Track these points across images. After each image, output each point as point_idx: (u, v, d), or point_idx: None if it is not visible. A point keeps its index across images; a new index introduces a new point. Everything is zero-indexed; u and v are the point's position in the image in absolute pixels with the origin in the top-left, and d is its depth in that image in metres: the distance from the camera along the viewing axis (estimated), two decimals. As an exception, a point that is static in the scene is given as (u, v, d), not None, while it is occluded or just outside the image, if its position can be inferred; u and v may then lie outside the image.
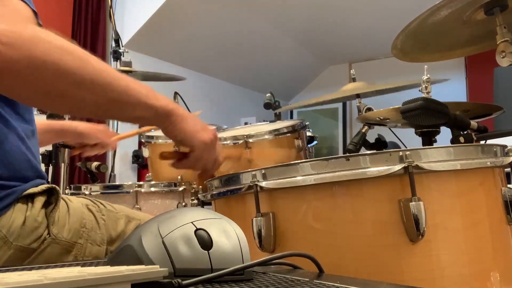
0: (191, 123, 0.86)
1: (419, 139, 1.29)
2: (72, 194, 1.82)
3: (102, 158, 3.68)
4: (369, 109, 1.66)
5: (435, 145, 1.27)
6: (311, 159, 0.82)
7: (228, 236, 0.55)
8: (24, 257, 0.85)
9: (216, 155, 0.93)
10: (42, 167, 0.99)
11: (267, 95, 2.23)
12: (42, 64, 0.68)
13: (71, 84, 0.71)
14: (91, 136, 1.33)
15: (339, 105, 5.82)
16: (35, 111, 0.94)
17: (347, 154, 0.82)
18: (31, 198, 0.88)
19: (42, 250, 0.87)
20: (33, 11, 0.77)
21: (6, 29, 0.66)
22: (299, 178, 0.81)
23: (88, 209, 0.97)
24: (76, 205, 0.96)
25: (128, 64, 2.22)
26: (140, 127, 1.90)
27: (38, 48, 0.67)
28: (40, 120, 1.22)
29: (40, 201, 0.88)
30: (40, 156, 0.99)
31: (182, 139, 0.86)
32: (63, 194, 0.96)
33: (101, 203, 1.02)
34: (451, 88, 4.36)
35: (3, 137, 0.85)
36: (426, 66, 1.34)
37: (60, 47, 0.70)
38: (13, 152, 0.86)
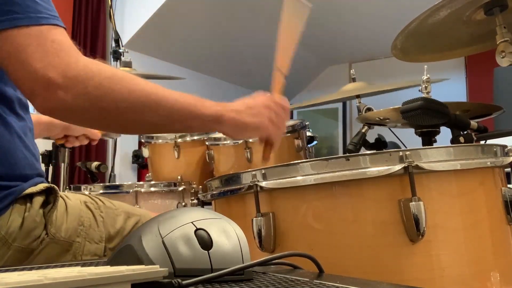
0: (244, 119, 0.87)
1: (419, 139, 1.29)
2: (72, 194, 1.82)
3: (102, 158, 3.68)
4: (369, 109, 1.66)
5: (435, 145, 1.27)
6: (311, 159, 0.82)
7: (228, 236, 0.55)
8: (23, 257, 0.85)
9: (281, 107, 0.94)
10: (42, 167, 0.99)
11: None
12: (96, 99, 0.74)
13: (124, 110, 0.77)
14: (77, 128, 1.37)
15: (339, 105, 5.82)
16: (31, 110, 0.94)
17: (347, 154, 0.82)
18: (29, 198, 0.88)
19: (41, 250, 0.86)
20: (64, 27, 0.80)
21: (60, 72, 0.72)
22: (299, 178, 0.81)
23: (87, 207, 0.97)
24: (74, 203, 0.96)
25: (128, 64, 2.22)
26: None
27: (91, 84, 0.74)
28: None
29: (38, 201, 0.88)
30: (40, 156, 0.99)
31: (245, 138, 0.92)
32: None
33: (100, 200, 1.02)
34: (451, 88, 4.36)
35: (0, 135, 0.85)
36: (426, 66, 1.34)
37: (110, 78, 0.76)
38: (11, 150, 0.86)
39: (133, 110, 0.77)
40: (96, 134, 1.44)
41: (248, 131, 0.90)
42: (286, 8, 1.02)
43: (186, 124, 0.84)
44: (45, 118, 1.24)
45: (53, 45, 0.74)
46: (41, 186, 0.89)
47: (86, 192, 1.74)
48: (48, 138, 2.23)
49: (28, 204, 0.87)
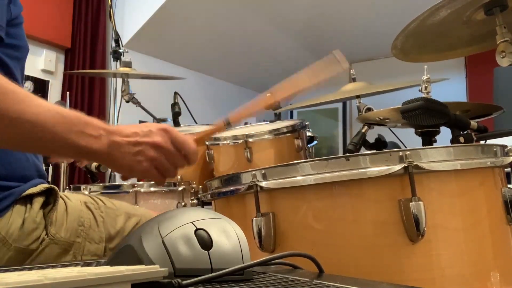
0: (124, 155, 0.72)
1: (419, 139, 1.29)
2: (72, 194, 1.82)
3: (102, 158, 3.67)
4: (369, 109, 1.66)
5: (435, 145, 1.27)
6: (311, 159, 0.82)
7: (228, 236, 0.55)
8: (24, 258, 0.85)
9: (180, 149, 0.79)
10: (43, 167, 0.99)
11: (267, 95, 2.22)
12: None
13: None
14: None
15: (339, 105, 5.82)
16: None
17: (347, 154, 0.82)
18: (29, 199, 0.88)
19: (41, 250, 0.86)
20: None
21: None
22: (299, 178, 0.81)
23: (87, 207, 0.97)
24: (74, 203, 0.96)
25: (128, 64, 2.22)
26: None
27: None
28: None
29: (38, 202, 0.88)
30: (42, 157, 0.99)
31: (121, 173, 0.77)
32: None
33: (100, 200, 1.02)
34: (451, 88, 4.36)
35: None
36: (426, 66, 1.34)
37: None
38: (12, 151, 0.86)
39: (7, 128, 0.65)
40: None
41: (124, 171, 0.76)
42: (327, 59, 0.91)
43: (47, 148, 0.70)
44: None
45: None
46: (41, 186, 0.89)
47: (86, 192, 1.74)
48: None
49: (28, 205, 0.87)
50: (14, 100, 0.64)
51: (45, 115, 0.66)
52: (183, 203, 1.79)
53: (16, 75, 0.90)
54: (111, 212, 1.01)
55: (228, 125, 0.92)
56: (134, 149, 0.73)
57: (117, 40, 2.29)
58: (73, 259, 0.91)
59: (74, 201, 0.97)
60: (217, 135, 1.84)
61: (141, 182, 1.79)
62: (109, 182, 3.37)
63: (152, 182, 1.83)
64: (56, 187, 0.91)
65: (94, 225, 0.95)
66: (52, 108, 0.67)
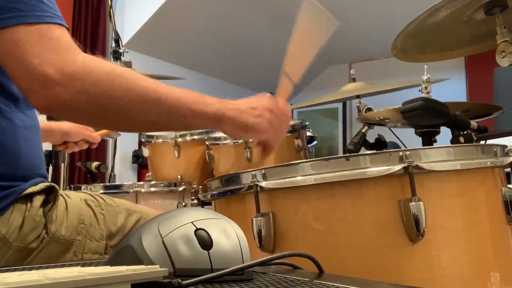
0: (245, 120, 0.86)
1: (419, 139, 1.29)
2: (72, 194, 1.82)
3: (102, 158, 3.68)
4: (369, 109, 1.66)
5: (435, 145, 1.27)
6: (311, 159, 0.82)
7: (228, 236, 0.55)
8: (24, 256, 0.85)
9: (283, 113, 0.94)
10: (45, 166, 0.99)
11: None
12: (94, 96, 0.73)
13: (123, 107, 0.75)
14: (76, 134, 1.39)
15: (339, 105, 5.82)
16: (36, 111, 0.94)
17: (347, 154, 0.82)
18: (29, 197, 0.88)
19: (41, 249, 0.86)
20: (66, 27, 0.79)
21: (58, 68, 0.70)
22: (299, 178, 0.81)
23: (87, 204, 0.97)
24: (74, 201, 0.96)
25: (128, 64, 2.22)
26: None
27: (89, 81, 0.72)
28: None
29: (38, 200, 0.88)
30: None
31: (244, 138, 0.92)
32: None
33: (101, 197, 1.02)
34: (451, 88, 4.36)
35: (4, 135, 0.85)
36: (426, 66, 1.34)
37: (108, 74, 0.74)
38: (14, 150, 0.86)
39: (132, 108, 0.76)
40: (96, 137, 1.46)
41: (247, 132, 0.88)
42: (302, 13, 0.99)
43: (186, 122, 0.83)
44: (43, 124, 1.24)
45: (51, 42, 0.73)
46: (42, 185, 0.89)
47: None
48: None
49: (29, 204, 0.87)
50: (148, 83, 0.77)
51: (178, 92, 0.80)
52: (183, 203, 1.79)
53: None
54: (112, 209, 1.01)
55: (292, 82, 1.01)
56: (255, 112, 0.87)
57: (117, 40, 2.29)
58: (73, 257, 0.91)
59: (74, 198, 0.97)
60: (217, 135, 1.84)
61: (141, 182, 1.79)
62: (109, 182, 3.37)
63: (153, 182, 1.83)
64: (56, 185, 0.91)
65: (94, 223, 0.95)
66: (176, 88, 0.80)
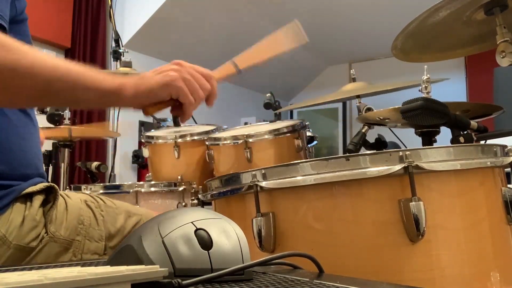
0: (148, 81, 0.79)
1: (419, 139, 1.29)
2: (72, 194, 1.82)
3: (102, 158, 3.68)
4: (369, 109, 1.66)
5: (435, 145, 1.27)
6: (311, 159, 0.82)
7: (228, 236, 0.55)
8: (23, 256, 0.85)
9: (201, 74, 0.85)
10: (43, 166, 0.99)
11: (267, 95, 2.23)
12: None
13: (7, 77, 0.69)
14: None
15: (339, 105, 5.83)
16: (35, 111, 0.94)
17: (347, 154, 0.82)
18: (29, 197, 0.88)
19: (40, 248, 0.87)
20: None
21: None
22: (299, 178, 0.81)
23: (87, 205, 0.97)
24: (74, 201, 0.96)
25: (128, 64, 2.22)
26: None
27: None
28: None
29: (38, 199, 0.88)
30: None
31: (152, 101, 0.81)
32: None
33: (100, 199, 1.02)
34: (451, 88, 4.37)
35: (3, 134, 0.85)
36: (426, 66, 1.34)
37: None
38: (13, 149, 0.86)
39: (16, 77, 0.70)
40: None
41: (153, 92, 0.79)
42: (286, 29, 1.00)
43: (75, 94, 0.75)
44: None
45: None
46: (41, 185, 0.89)
47: (87, 192, 1.74)
48: (49, 138, 2.22)
49: (28, 203, 0.87)
50: (30, 54, 0.70)
51: (64, 63, 0.73)
52: (183, 203, 1.79)
53: None
54: (111, 210, 1.01)
55: (237, 68, 0.97)
56: (157, 71, 0.81)
57: (117, 40, 2.29)
58: (72, 257, 0.91)
59: (74, 199, 0.97)
60: (217, 135, 1.84)
61: (141, 182, 1.79)
62: (109, 182, 3.37)
63: (153, 182, 1.83)
64: (55, 185, 0.91)
65: (94, 224, 0.95)
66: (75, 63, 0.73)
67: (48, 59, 0.72)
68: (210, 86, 0.86)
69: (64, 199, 0.94)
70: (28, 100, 0.78)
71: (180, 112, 0.84)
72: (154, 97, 0.80)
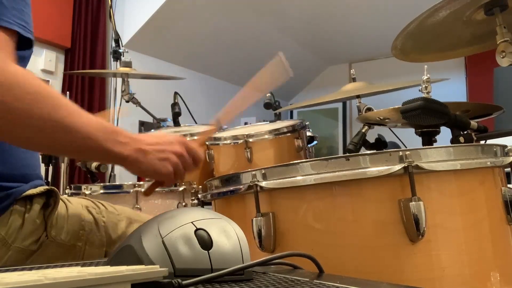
0: (148, 162, 0.83)
1: (419, 139, 1.29)
2: (72, 194, 1.82)
3: (102, 158, 3.67)
4: (369, 109, 1.66)
5: (435, 145, 1.27)
6: (311, 159, 0.82)
7: (228, 236, 0.55)
8: (23, 258, 0.85)
9: (193, 157, 0.90)
10: (42, 167, 0.99)
11: (267, 95, 2.22)
12: (12, 111, 0.68)
13: (33, 129, 0.71)
14: None
15: (339, 105, 5.83)
16: None
17: (347, 154, 0.82)
18: (29, 199, 0.87)
19: (40, 252, 0.86)
20: (13, 31, 0.76)
21: None
22: (299, 178, 0.81)
23: (88, 211, 0.97)
24: (75, 206, 0.96)
25: (128, 64, 2.22)
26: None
27: (10, 94, 0.67)
28: None
29: (38, 202, 0.88)
30: (40, 156, 0.99)
31: (144, 176, 0.90)
32: (63, 194, 0.96)
33: (102, 204, 1.02)
34: (451, 88, 4.37)
35: None
36: (426, 66, 1.34)
37: (34, 93, 0.70)
38: (13, 151, 0.86)
39: (41, 133, 0.72)
40: None
41: (148, 174, 0.86)
42: (269, 65, 0.99)
43: (87, 154, 0.81)
44: None
45: None
46: (42, 188, 0.89)
47: (87, 192, 1.74)
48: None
49: (28, 206, 0.87)
50: (68, 112, 0.73)
51: (93, 127, 0.75)
52: (183, 203, 1.79)
53: None
54: (113, 216, 1.00)
55: (219, 125, 1.02)
56: (160, 155, 0.84)
57: (117, 40, 2.29)
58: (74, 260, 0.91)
59: (75, 204, 0.97)
60: (217, 135, 1.84)
61: (141, 182, 1.78)
62: (109, 182, 3.37)
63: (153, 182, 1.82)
64: (56, 189, 0.91)
65: (95, 229, 0.95)
66: (95, 119, 0.77)
67: (85, 125, 0.75)
68: (193, 167, 0.91)
69: (64, 203, 0.94)
70: (41, 150, 0.84)
71: (155, 184, 0.94)
72: (146, 175, 0.87)
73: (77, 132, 0.74)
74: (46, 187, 0.90)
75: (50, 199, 0.90)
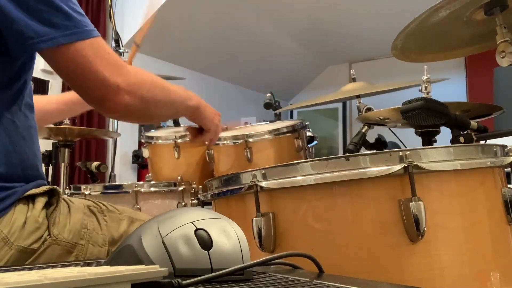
0: (209, 112, 1.17)
1: (419, 139, 1.29)
2: (72, 194, 1.82)
3: (102, 158, 3.68)
4: (369, 109, 1.66)
5: (435, 145, 1.27)
6: (311, 159, 0.82)
7: (228, 236, 0.55)
8: (25, 257, 0.85)
9: (219, 127, 1.24)
10: (42, 167, 0.99)
11: (267, 95, 2.23)
12: (147, 100, 0.92)
13: (160, 107, 0.98)
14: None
15: (339, 105, 5.83)
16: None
17: (347, 154, 0.82)
18: (32, 199, 0.88)
19: (43, 251, 0.86)
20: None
21: (124, 79, 0.85)
22: (299, 178, 0.81)
23: (90, 210, 0.97)
24: (77, 206, 0.96)
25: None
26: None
27: (144, 89, 0.91)
28: (61, 94, 1.36)
29: (41, 202, 0.88)
30: (41, 157, 1.00)
31: (204, 124, 1.18)
32: (63, 194, 0.96)
33: (103, 204, 1.02)
34: (451, 88, 4.37)
35: (4, 136, 0.85)
36: (426, 66, 1.34)
37: (152, 83, 0.94)
38: (16, 151, 0.86)
39: (162, 107, 0.99)
40: None
41: (207, 121, 1.17)
42: None
43: (178, 113, 1.14)
44: (69, 96, 1.30)
45: (110, 56, 0.86)
46: (44, 187, 0.90)
47: (86, 192, 1.74)
48: (48, 138, 2.22)
49: (31, 205, 0.87)
50: (170, 90, 1.02)
51: (182, 96, 1.07)
52: (183, 203, 1.79)
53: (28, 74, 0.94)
54: (114, 216, 1.01)
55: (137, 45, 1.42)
56: (213, 111, 1.19)
57: (117, 40, 2.29)
58: (75, 260, 0.91)
59: (77, 204, 0.97)
60: (217, 135, 1.84)
61: (141, 182, 1.79)
62: (109, 182, 3.37)
63: (153, 182, 1.83)
64: (58, 188, 0.91)
65: (97, 228, 0.95)
66: (178, 88, 1.06)
67: (177, 91, 1.06)
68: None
69: (67, 202, 0.94)
70: (159, 120, 1.31)
71: (200, 137, 1.24)
72: (203, 122, 1.18)
73: (176, 102, 1.06)
74: (49, 186, 0.91)
75: (52, 198, 0.90)
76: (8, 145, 0.85)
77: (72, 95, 1.27)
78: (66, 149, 2.24)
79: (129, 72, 0.88)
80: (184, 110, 1.09)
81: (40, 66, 3.43)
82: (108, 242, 0.96)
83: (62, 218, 0.90)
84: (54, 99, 1.32)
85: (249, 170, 0.86)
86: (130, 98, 0.87)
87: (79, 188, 1.81)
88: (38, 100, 1.03)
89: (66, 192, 1.85)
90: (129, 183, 1.79)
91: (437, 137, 1.29)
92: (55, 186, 0.91)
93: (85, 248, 0.92)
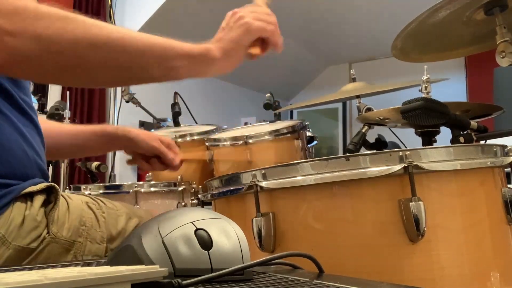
0: (229, 37, 0.84)
1: (419, 139, 1.29)
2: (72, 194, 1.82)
3: (102, 158, 3.68)
4: (369, 109, 1.66)
5: (435, 145, 1.27)
6: (311, 159, 0.82)
7: (228, 236, 0.55)
8: (23, 257, 0.85)
9: (268, 13, 0.91)
10: (46, 165, 0.99)
11: (267, 95, 2.22)
12: (49, 40, 0.65)
13: (83, 52, 0.68)
14: (143, 142, 1.13)
15: (339, 105, 5.84)
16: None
17: (347, 154, 0.82)
18: (30, 197, 0.87)
19: (41, 249, 0.86)
20: None
21: (4, 14, 0.63)
22: (299, 178, 0.81)
23: (88, 207, 0.97)
24: (75, 203, 0.96)
25: (128, 64, 2.22)
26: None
27: (40, 25, 0.65)
28: (88, 125, 1.15)
29: (39, 199, 0.88)
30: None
31: (238, 51, 0.86)
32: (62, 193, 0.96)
33: (101, 201, 1.02)
34: (451, 88, 4.37)
35: (2, 133, 0.84)
36: (426, 66, 1.34)
37: (63, 18, 0.67)
38: (12, 148, 0.86)
39: (94, 51, 0.69)
40: (173, 158, 1.19)
41: (240, 43, 0.84)
42: None
43: (167, 65, 0.77)
44: (110, 129, 1.15)
45: None
46: (42, 185, 0.89)
47: (86, 192, 1.74)
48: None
49: (29, 203, 0.86)
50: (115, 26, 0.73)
51: (150, 35, 0.75)
52: (183, 203, 1.79)
53: None
54: (113, 212, 1.01)
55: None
56: (226, 28, 0.85)
57: (117, 40, 2.28)
58: (73, 259, 0.90)
59: (76, 200, 0.97)
60: (217, 136, 1.84)
61: (141, 182, 1.79)
62: (109, 182, 3.37)
63: (153, 182, 1.83)
64: (56, 185, 0.91)
65: (95, 225, 0.95)
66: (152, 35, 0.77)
67: (134, 33, 0.74)
68: (273, 19, 0.90)
69: (65, 199, 0.94)
70: (115, 79, 0.78)
71: (267, 46, 0.90)
72: (241, 47, 0.85)
73: (131, 39, 0.72)
74: (47, 183, 0.90)
75: (50, 195, 0.90)
76: (4, 143, 0.84)
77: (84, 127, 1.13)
78: (66, 149, 2.24)
79: (21, 7, 0.65)
80: (177, 59, 0.79)
81: (40, 66, 3.43)
82: (107, 239, 0.96)
83: (61, 215, 0.90)
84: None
85: (249, 170, 0.86)
86: (15, 40, 0.63)
87: (79, 188, 1.81)
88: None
89: (66, 192, 1.85)
90: (129, 183, 1.79)
91: (437, 137, 1.29)
92: (53, 184, 0.91)
93: (83, 245, 0.92)
